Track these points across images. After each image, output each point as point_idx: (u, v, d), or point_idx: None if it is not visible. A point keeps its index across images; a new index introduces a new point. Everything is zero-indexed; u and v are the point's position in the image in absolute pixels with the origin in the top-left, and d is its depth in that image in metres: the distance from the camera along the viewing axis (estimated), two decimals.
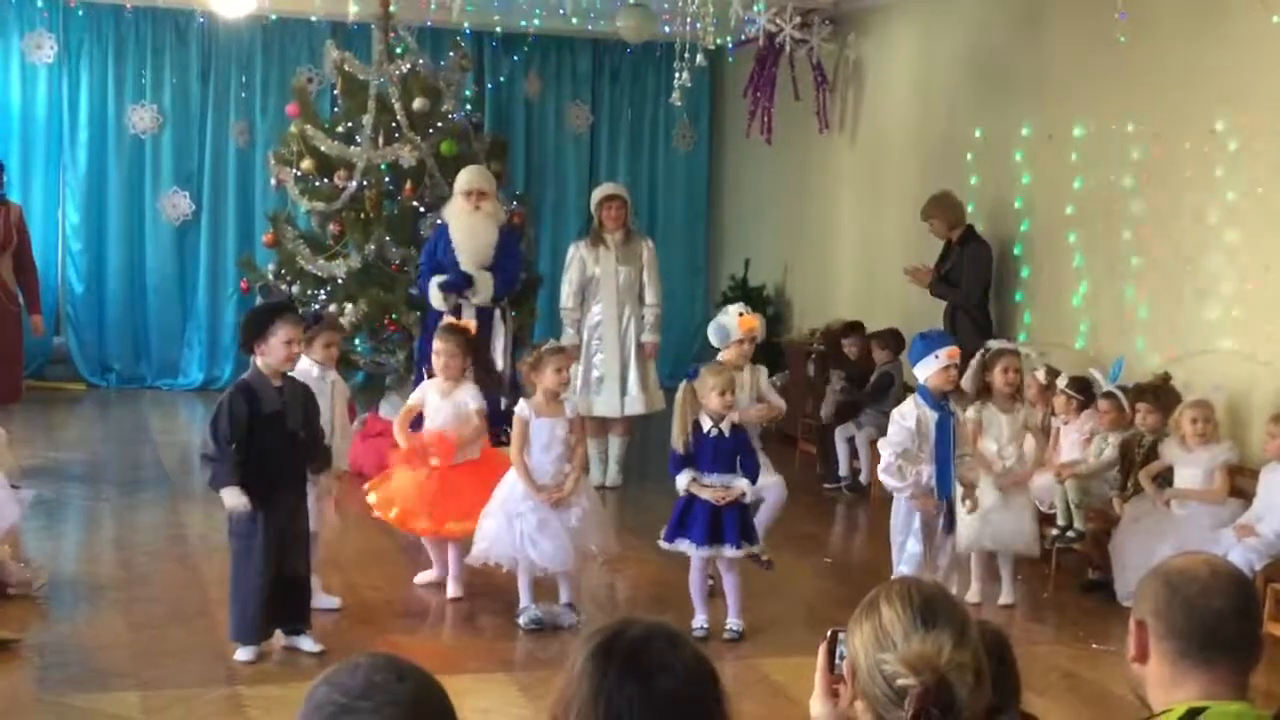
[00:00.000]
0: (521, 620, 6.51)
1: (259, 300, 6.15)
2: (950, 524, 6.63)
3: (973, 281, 9.45)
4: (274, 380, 5.86)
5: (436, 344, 6.94)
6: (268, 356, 5.83)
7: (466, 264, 9.03)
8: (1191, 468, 7.09)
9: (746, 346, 7.21)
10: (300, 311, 6.15)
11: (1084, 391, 7.94)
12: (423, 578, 7.13)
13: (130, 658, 5.88)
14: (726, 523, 6.40)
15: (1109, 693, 5.82)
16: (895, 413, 6.71)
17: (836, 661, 2.44)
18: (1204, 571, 2.53)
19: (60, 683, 5.56)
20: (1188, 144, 7.95)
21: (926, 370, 6.53)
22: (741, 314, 7.27)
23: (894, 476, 6.54)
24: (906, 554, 6.61)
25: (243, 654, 5.86)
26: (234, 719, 5.31)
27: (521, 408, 6.67)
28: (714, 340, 7.24)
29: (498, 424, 9.03)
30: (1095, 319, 8.77)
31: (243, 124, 13.55)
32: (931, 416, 6.51)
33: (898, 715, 2.24)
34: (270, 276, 10.79)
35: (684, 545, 6.45)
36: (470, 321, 7.33)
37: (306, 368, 6.55)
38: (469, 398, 6.94)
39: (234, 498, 5.74)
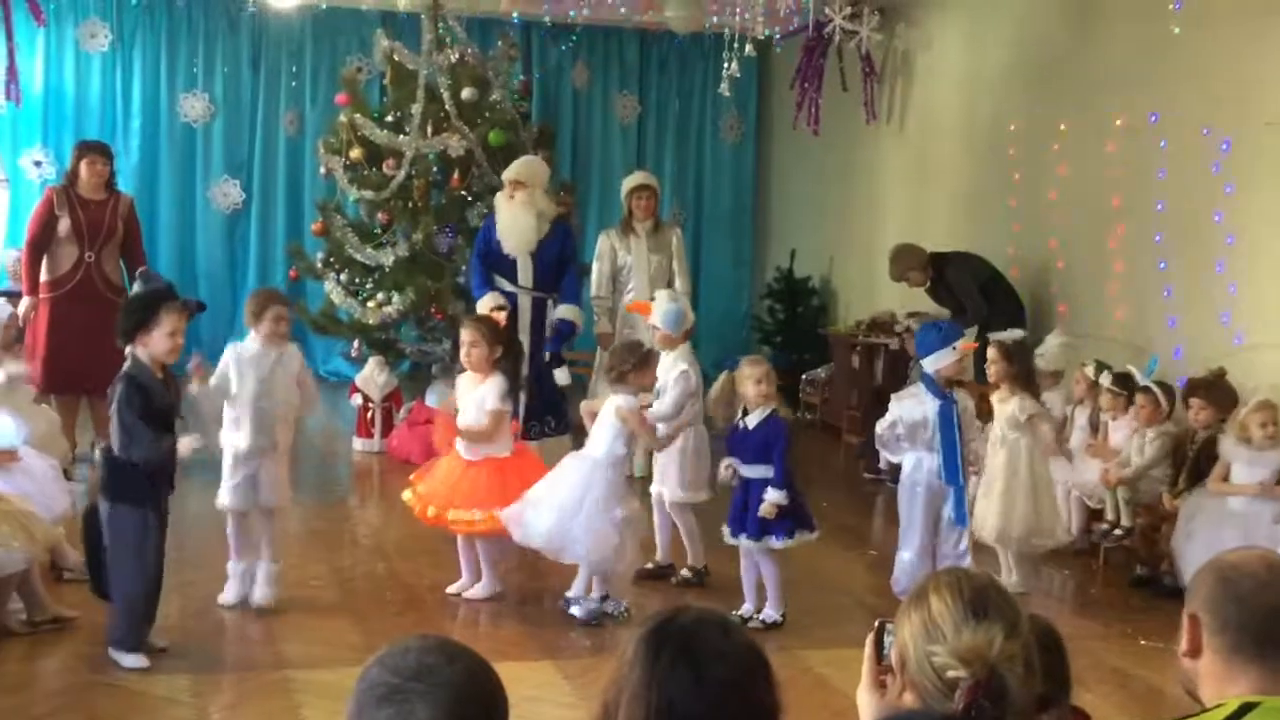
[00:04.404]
0: (580, 613, 6.45)
1: (138, 288, 5.75)
2: (960, 516, 6.67)
3: (969, 295, 9.48)
4: (156, 373, 5.59)
5: (462, 334, 6.83)
6: (151, 348, 5.55)
7: (509, 250, 9.06)
8: (1259, 468, 6.95)
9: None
10: (184, 300, 5.73)
11: (1127, 386, 7.88)
12: (455, 588, 6.90)
13: (180, 641, 5.92)
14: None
15: (1158, 689, 5.77)
16: (894, 397, 6.87)
17: (884, 652, 2.44)
18: (1259, 567, 2.51)
19: (113, 664, 5.59)
20: (1239, 137, 7.87)
21: (941, 361, 6.60)
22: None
23: (884, 448, 6.85)
24: (908, 540, 6.72)
25: (133, 661, 5.61)
26: (282, 703, 5.33)
27: (633, 403, 6.48)
28: (674, 326, 7.12)
29: (540, 415, 9.02)
30: (1140, 312, 8.70)
31: (293, 113, 13.66)
32: (932, 406, 6.58)
33: (948, 707, 2.23)
34: (319, 264, 10.87)
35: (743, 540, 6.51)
36: (501, 314, 7.28)
37: (254, 348, 6.30)
38: (488, 394, 6.69)
39: (184, 445, 5.58)
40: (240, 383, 6.26)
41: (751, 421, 6.44)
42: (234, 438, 6.35)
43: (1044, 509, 7.18)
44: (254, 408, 6.27)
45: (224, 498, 6.44)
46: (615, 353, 6.74)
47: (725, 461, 6.49)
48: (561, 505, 6.36)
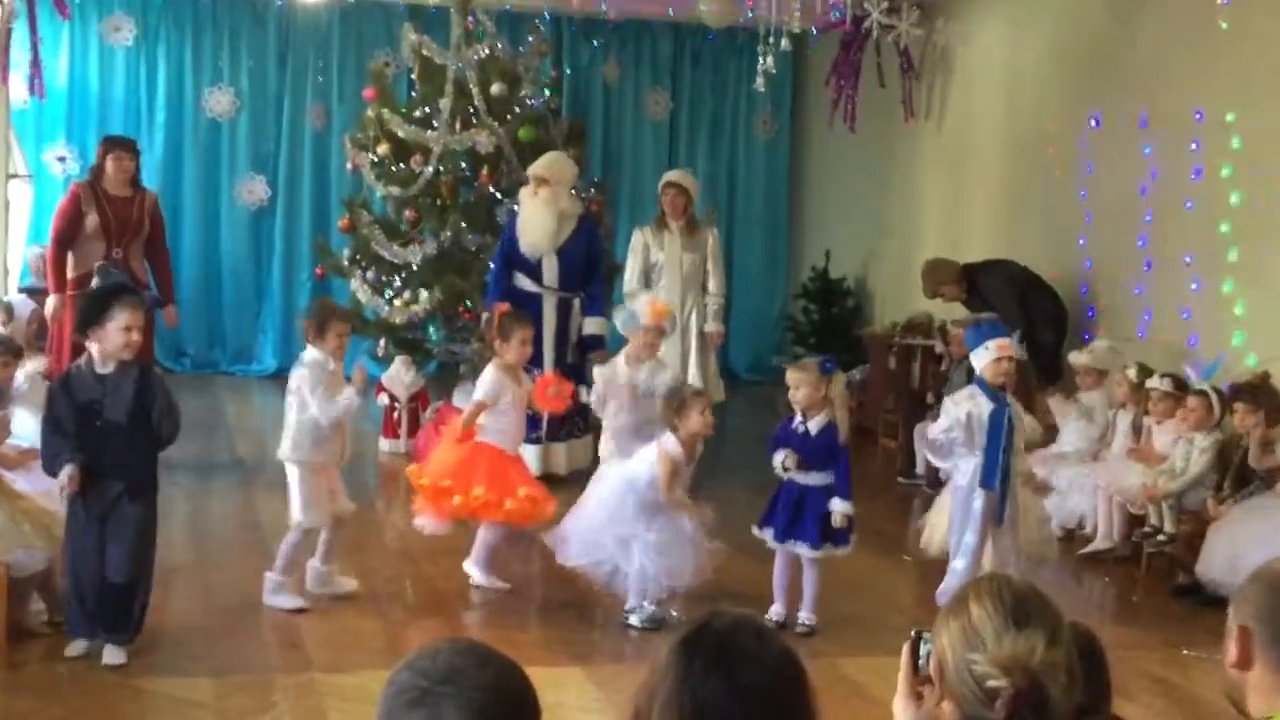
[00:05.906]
0: (635, 620, 6.31)
1: (95, 282, 5.78)
2: (1001, 518, 6.46)
3: (1004, 302, 9.31)
4: (104, 368, 5.50)
5: (525, 332, 6.79)
6: (104, 344, 5.47)
7: (526, 249, 8.97)
8: None
9: (652, 337, 7.03)
10: (142, 295, 5.70)
11: (1183, 389, 7.72)
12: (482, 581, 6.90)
13: (204, 643, 5.86)
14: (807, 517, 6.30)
15: (1200, 699, 5.67)
16: (948, 399, 6.65)
17: (920, 662, 2.41)
18: None
19: (135, 667, 5.54)
20: None
21: (980, 361, 6.43)
22: (654, 301, 7.24)
23: (937, 454, 6.58)
24: (964, 547, 6.53)
25: (70, 649, 5.60)
26: (308, 705, 5.27)
27: (675, 449, 6.28)
28: (622, 327, 7.06)
29: (568, 417, 8.90)
30: (1196, 314, 8.53)
31: (320, 108, 13.59)
32: (985, 408, 6.37)
33: (988, 716, 2.20)
34: (345, 262, 10.78)
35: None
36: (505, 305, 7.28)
37: (320, 359, 6.38)
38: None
39: (63, 475, 5.46)
40: (320, 399, 6.29)
41: (814, 427, 6.30)
42: (311, 452, 6.35)
43: (1030, 526, 6.99)
44: (333, 422, 6.33)
45: (309, 515, 6.37)
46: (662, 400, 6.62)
47: (784, 451, 6.31)
48: (591, 516, 6.32)
